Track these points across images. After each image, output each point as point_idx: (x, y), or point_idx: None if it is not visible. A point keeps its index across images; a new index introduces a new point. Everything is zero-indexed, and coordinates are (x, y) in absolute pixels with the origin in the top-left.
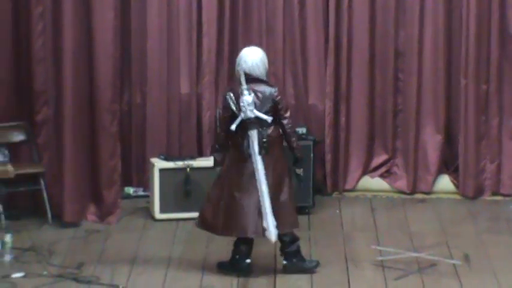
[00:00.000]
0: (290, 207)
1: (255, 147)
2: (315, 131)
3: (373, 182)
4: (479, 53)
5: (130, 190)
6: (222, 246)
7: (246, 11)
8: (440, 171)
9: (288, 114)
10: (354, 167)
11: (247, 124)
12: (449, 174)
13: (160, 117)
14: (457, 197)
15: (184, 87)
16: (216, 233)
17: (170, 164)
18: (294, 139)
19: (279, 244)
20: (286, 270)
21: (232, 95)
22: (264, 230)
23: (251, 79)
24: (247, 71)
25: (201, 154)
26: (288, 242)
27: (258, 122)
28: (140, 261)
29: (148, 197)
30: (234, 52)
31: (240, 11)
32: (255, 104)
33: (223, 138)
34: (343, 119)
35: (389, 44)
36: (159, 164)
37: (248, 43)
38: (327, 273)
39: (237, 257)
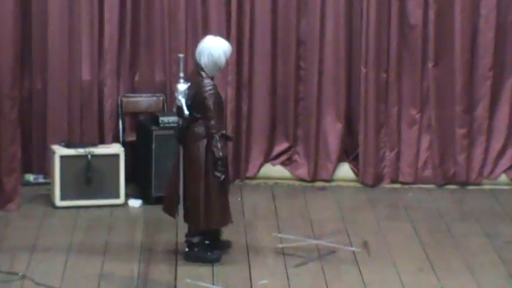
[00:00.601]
0: (195, 204)
1: (178, 135)
2: None
3: (275, 170)
4: (379, 43)
5: (30, 177)
6: (124, 235)
7: None
8: (340, 159)
9: (209, 113)
10: (255, 155)
11: (179, 112)
12: (349, 162)
13: (61, 104)
14: (357, 184)
15: (86, 74)
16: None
17: (71, 151)
18: (214, 141)
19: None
20: (186, 258)
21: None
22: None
23: (197, 68)
24: (195, 59)
25: (102, 141)
26: (193, 232)
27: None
28: (40, 248)
29: (48, 184)
30: (136, 39)
31: None
32: (188, 94)
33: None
34: (244, 107)
35: (291, 33)
36: (59, 151)
37: (150, 31)
38: (228, 261)
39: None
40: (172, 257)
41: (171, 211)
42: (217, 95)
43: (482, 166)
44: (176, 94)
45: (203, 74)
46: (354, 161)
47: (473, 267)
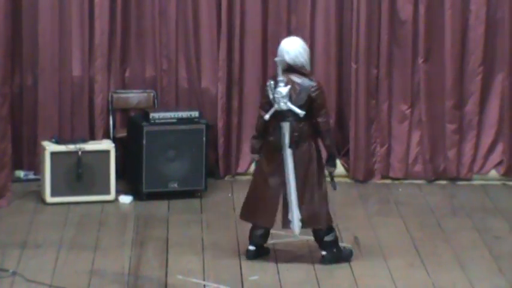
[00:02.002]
0: (317, 203)
1: (286, 139)
2: (207, 115)
3: None
4: (369, 38)
5: (21, 173)
6: (115, 231)
7: None
8: None
9: (323, 112)
10: (246, 151)
11: (280, 115)
12: (340, 157)
13: (52, 100)
14: (348, 180)
15: (76, 70)
16: (246, 219)
17: (62, 147)
18: (327, 138)
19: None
20: (325, 260)
21: (272, 83)
22: (289, 222)
23: (292, 70)
24: (291, 62)
25: (93, 137)
26: (323, 233)
27: (291, 115)
28: (31, 245)
29: (39, 181)
30: (127, 35)
31: None
32: (290, 96)
33: (261, 125)
34: (235, 103)
35: (282, 29)
36: (50, 147)
37: (140, 27)
38: (218, 256)
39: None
40: (163, 253)
41: (269, 221)
42: (324, 93)
43: (473, 161)
44: (279, 98)
45: (305, 73)
46: (344, 156)
47: (464, 262)
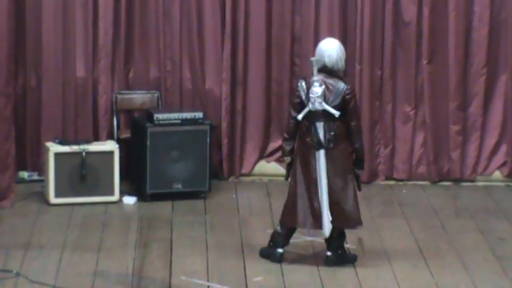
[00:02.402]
0: (349, 204)
1: (321, 139)
2: (211, 116)
3: (270, 167)
4: (373, 40)
5: (24, 174)
6: (119, 232)
7: None
8: None
9: (355, 116)
10: (250, 152)
11: (314, 116)
12: None
13: (55, 101)
14: None
15: (80, 71)
16: (287, 224)
17: (65, 148)
18: (358, 140)
19: (184, 228)
20: (328, 261)
21: (304, 83)
22: (319, 223)
23: (326, 71)
24: (331, 65)
25: (96, 138)
26: (337, 235)
27: (325, 115)
28: (35, 246)
29: (43, 182)
30: (131, 36)
31: None
32: (324, 96)
33: (293, 126)
34: (239, 104)
35: (286, 30)
36: (54, 148)
37: (144, 28)
38: (222, 257)
39: (271, 244)
40: (167, 254)
41: (311, 223)
42: (356, 96)
43: (476, 163)
44: (315, 98)
45: (341, 76)
46: None
47: (467, 264)
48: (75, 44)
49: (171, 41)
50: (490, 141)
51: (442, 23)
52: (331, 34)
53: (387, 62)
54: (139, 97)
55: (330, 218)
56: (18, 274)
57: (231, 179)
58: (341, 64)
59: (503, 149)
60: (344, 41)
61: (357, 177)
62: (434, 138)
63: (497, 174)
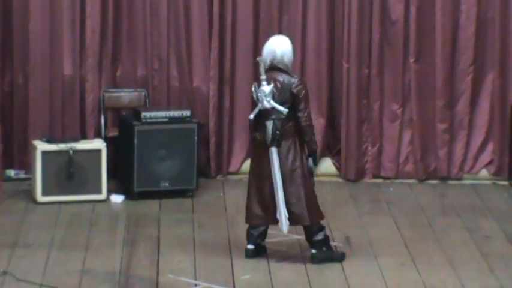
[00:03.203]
0: (303, 201)
1: (269, 137)
2: (199, 114)
3: None
4: (361, 38)
5: (11, 173)
6: (106, 230)
7: None
8: (322, 155)
9: (301, 106)
10: (237, 150)
11: (265, 114)
12: (331, 157)
13: (42, 99)
14: (339, 179)
15: (68, 69)
16: (250, 223)
17: (53, 147)
18: (308, 133)
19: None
20: (314, 259)
21: (256, 84)
22: (277, 220)
23: (274, 68)
24: (275, 62)
25: (84, 137)
26: (314, 231)
27: (275, 113)
28: (22, 244)
29: (30, 180)
30: (118, 34)
31: None
32: (273, 94)
33: (251, 125)
34: (227, 102)
35: (274, 28)
36: (41, 146)
37: (132, 26)
38: (210, 256)
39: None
40: (155, 253)
41: (271, 220)
42: (307, 89)
43: (463, 161)
44: (262, 97)
45: (288, 71)
46: (335, 156)
47: (454, 262)
48: (63, 42)
49: (159, 40)
50: (477, 139)
51: (429, 21)
52: (318, 32)
53: (374, 61)
54: (126, 95)
55: (287, 215)
56: (5, 272)
57: (218, 177)
58: (290, 58)
59: (490, 147)
60: (331, 39)
61: (311, 172)
62: (421, 136)
63: (484, 172)
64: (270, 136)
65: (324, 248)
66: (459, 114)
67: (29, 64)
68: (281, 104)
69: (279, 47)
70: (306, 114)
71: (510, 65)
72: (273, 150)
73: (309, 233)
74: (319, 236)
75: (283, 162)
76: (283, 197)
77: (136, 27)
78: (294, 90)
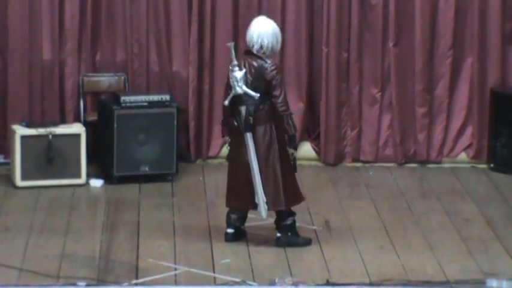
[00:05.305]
0: (280, 185)
1: (242, 123)
2: (178, 99)
3: None
4: (340, 22)
5: None
6: (86, 215)
7: None
8: (302, 139)
9: (277, 92)
10: (217, 135)
11: (238, 100)
12: (310, 141)
13: (22, 84)
14: (318, 163)
15: (47, 53)
16: (230, 207)
17: (32, 131)
18: (285, 118)
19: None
20: (278, 242)
21: (231, 69)
22: (255, 204)
23: (250, 52)
24: (250, 46)
25: (63, 121)
26: (283, 216)
27: (248, 98)
28: (1, 229)
29: (9, 164)
30: (97, 18)
31: None
32: (246, 79)
33: (224, 111)
34: (206, 87)
35: (253, 12)
36: (20, 130)
37: (111, 10)
38: (190, 240)
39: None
40: (134, 237)
41: (246, 204)
42: (281, 73)
43: (442, 144)
44: (234, 83)
45: (263, 56)
46: (315, 140)
47: (433, 245)
48: (42, 27)
49: (138, 24)
50: (456, 123)
51: (409, 5)
52: (297, 16)
53: (354, 45)
54: (106, 80)
55: (265, 200)
56: None
57: (198, 161)
58: (267, 42)
59: (469, 130)
60: (310, 23)
61: (294, 158)
62: (400, 120)
63: (463, 155)
64: (243, 121)
65: (289, 233)
66: (438, 98)
67: (8, 49)
68: (254, 89)
69: (256, 29)
70: (281, 100)
71: (489, 49)
72: (248, 136)
73: (279, 217)
74: (288, 221)
75: (259, 147)
76: (260, 182)
77: (116, 11)
78: (268, 77)
